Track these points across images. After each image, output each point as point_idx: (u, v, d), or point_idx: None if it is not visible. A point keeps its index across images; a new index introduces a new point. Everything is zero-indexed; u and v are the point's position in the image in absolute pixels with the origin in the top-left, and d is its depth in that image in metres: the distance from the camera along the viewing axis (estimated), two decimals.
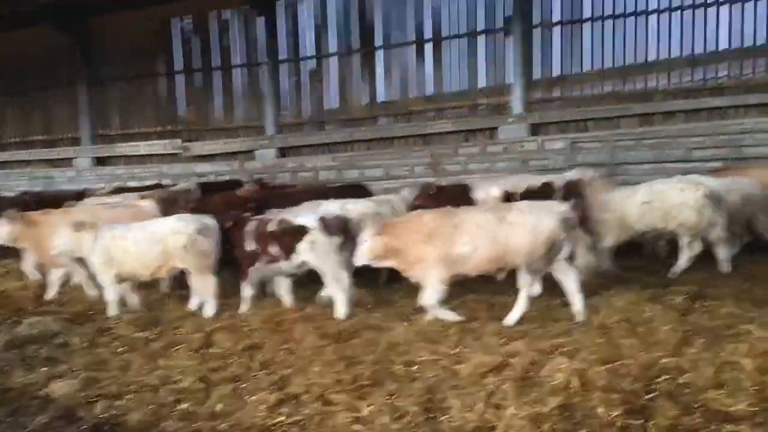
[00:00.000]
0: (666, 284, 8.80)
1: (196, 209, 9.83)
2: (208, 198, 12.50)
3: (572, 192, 9.66)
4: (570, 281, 7.44)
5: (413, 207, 9.81)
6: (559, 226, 7.09)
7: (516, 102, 15.74)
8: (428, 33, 17.23)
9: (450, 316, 7.30)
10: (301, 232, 7.98)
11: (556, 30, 15.76)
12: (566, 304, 7.79)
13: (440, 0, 16.90)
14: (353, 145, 17.91)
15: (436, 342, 6.61)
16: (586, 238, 9.28)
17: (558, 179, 10.37)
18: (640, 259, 10.49)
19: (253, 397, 5.34)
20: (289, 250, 8.04)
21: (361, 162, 17.13)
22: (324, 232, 7.92)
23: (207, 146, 19.86)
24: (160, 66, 20.89)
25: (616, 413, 4.87)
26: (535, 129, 15.56)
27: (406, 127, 17.25)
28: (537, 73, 15.98)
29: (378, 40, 17.84)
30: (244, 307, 8.21)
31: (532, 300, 7.55)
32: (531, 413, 4.90)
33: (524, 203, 7.79)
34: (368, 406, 5.15)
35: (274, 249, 8.07)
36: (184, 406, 5.27)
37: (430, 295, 7.19)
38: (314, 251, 7.95)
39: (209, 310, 8.12)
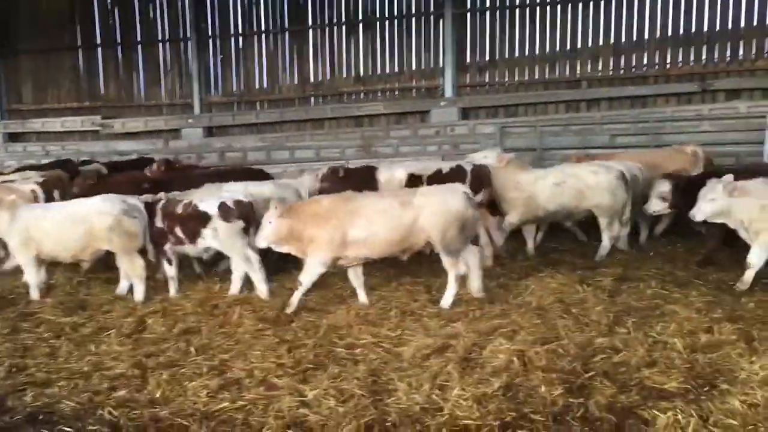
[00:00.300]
0: (594, 266, 9.06)
1: (93, 189, 9.48)
2: (109, 178, 12.02)
3: (478, 177, 9.85)
4: (471, 259, 7.55)
5: (319, 190, 9.84)
6: (465, 204, 7.19)
7: (448, 86, 15.88)
8: (361, 13, 17.07)
9: (296, 301, 7.22)
10: (204, 218, 7.84)
11: (488, 15, 15.92)
12: (502, 286, 7.93)
13: None
14: (283, 125, 17.65)
15: (376, 325, 6.59)
16: (493, 221, 9.86)
17: (466, 163, 10.52)
18: (570, 242, 10.78)
19: (193, 383, 5.17)
20: (193, 235, 7.92)
21: (291, 143, 16.89)
22: (224, 218, 7.82)
23: (129, 124, 19.13)
24: (79, 39, 19.90)
25: (557, 392, 4.98)
26: (466, 113, 15.75)
27: (337, 109, 17.12)
28: (468, 58, 16.12)
29: (309, 19, 17.53)
30: (172, 289, 7.97)
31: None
32: (476, 394, 4.95)
33: (427, 187, 7.85)
34: (313, 389, 5.08)
35: (179, 232, 7.92)
36: (121, 393, 5.05)
37: (308, 275, 7.13)
38: (217, 238, 7.85)
39: (138, 294, 7.83)
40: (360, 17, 17.10)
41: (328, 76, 17.58)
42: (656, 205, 9.18)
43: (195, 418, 4.69)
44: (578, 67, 15.39)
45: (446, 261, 7.28)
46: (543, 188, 9.66)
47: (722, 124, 13.44)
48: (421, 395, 4.98)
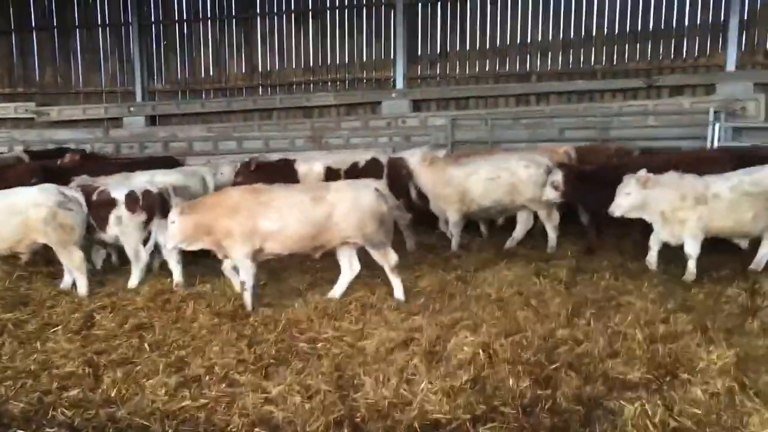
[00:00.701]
0: (547, 258, 9.12)
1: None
2: (19, 167, 11.54)
3: (394, 170, 9.86)
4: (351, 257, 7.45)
5: (233, 184, 9.69)
6: (378, 200, 7.12)
7: (399, 77, 15.81)
8: (311, 3, 16.82)
9: (250, 301, 7.06)
10: (111, 204, 7.69)
11: (439, 6, 15.91)
12: (460, 278, 7.88)
13: None
14: (230, 115, 17.26)
15: (337, 318, 6.44)
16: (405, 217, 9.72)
17: (383, 156, 10.49)
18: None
19: (150, 381, 4.91)
20: (103, 222, 7.74)
21: (239, 133, 16.52)
22: (129, 208, 7.65)
23: (66, 111, 18.36)
24: (12, 22, 18.95)
25: (525, 384, 4.94)
26: (417, 105, 15.71)
27: (286, 99, 16.83)
28: (419, 50, 16.08)
29: (258, 7, 17.17)
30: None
31: (434, 274, 7.61)
32: (444, 387, 4.86)
33: (340, 182, 7.74)
34: (277, 385, 4.90)
35: (92, 219, 7.70)
36: (73, 392, 4.75)
37: (243, 272, 6.96)
38: (119, 225, 7.70)
39: (81, 289, 7.47)
40: (309, 6, 16.82)
41: (277, 66, 17.27)
42: (550, 193, 9.18)
43: (155, 418, 4.45)
44: (528, 61, 15.52)
45: (375, 255, 7.19)
46: (476, 183, 9.62)
47: (667, 120, 13.78)
48: (388, 389, 4.86)
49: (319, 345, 5.81)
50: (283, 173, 9.82)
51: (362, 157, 10.50)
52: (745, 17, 14.08)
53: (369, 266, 8.39)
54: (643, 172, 7.88)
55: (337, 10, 16.65)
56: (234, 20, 17.45)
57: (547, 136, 14.27)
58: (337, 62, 16.78)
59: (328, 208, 6.88)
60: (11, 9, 18.82)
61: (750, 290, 7.29)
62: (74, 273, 7.56)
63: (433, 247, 9.92)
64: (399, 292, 7.19)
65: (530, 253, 9.57)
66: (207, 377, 5.10)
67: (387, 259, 7.16)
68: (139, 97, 17.82)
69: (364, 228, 6.95)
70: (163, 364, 5.30)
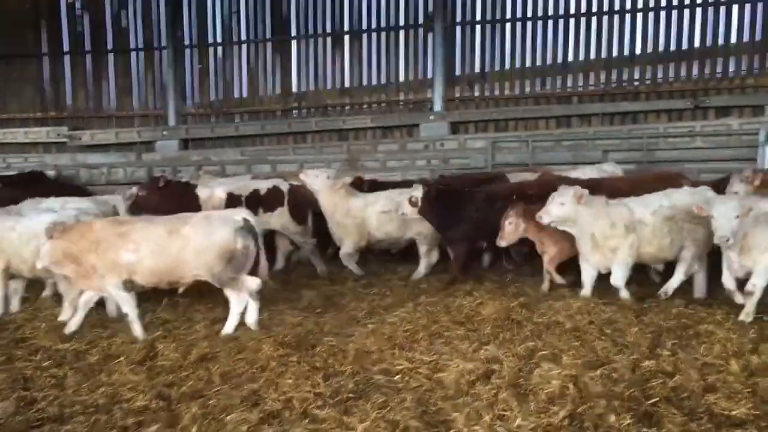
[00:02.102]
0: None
1: None
2: None
3: (294, 198, 9.93)
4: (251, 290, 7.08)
5: (136, 201, 9.77)
6: (236, 235, 6.81)
7: (437, 99, 15.62)
8: (347, 25, 16.73)
9: (139, 331, 6.76)
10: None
11: (477, 28, 15.76)
12: (523, 305, 7.55)
13: None
14: (264, 138, 17.11)
15: (408, 349, 6.15)
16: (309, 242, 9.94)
17: (284, 185, 10.34)
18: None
19: (230, 416, 4.63)
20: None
21: (273, 156, 16.32)
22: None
23: (98, 135, 18.28)
24: (45, 45, 19.00)
25: (627, 421, 4.62)
26: (455, 127, 15.49)
27: (321, 121, 16.67)
28: (457, 71, 15.91)
29: (293, 30, 17.10)
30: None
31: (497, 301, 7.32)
32: (541, 424, 4.56)
33: (201, 214, 7.40)
34: (361, 422, 4.61)
35: None
36: (152, 429, 4.47)
37: (123, 305, 6.71)
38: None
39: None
40: (346, 28, 16.72)
41: (312, 88, 17.13)
42: (405, 208, 8.91)
43: None
44: (569, 82, 15.29)
45: (226, 291, 6.89)
46: (371, 215, 9.59)
47: (715, 141, 13.41)
48: (482, 427, 4.56)
49: (396, 377, 5.51)
50: (185, 198, 9.73)
51: (263, 185, 10.40)
52: None
53: (426, 292, 8.16)
54: (578, 188, 7.66)
55: (373, 32, 16.52)
56: (268, 43, 17.37)
57: (590, 158, 13.90)
58: (374, 84, 16.62)
59: (181, 242, 6.60)
60: (43, 33, 18.86)
61: None
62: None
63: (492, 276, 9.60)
64: (229, 328, 6.79)
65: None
66: (286, 413, 4.81)
67: (238, 296, 6.83)
68: (172, 121, 17.72)
69: (212, 266, 6.66)
70: (238, 397, 5.02)
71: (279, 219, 10.01)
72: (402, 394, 5.17)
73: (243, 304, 6.87)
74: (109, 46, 18.57)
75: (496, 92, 15.72)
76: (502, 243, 8.19)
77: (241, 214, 7.13)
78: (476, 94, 15.85)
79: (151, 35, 18.14)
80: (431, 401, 5.08)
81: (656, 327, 6.89)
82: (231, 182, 11.04)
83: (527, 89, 15.58)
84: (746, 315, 6.99)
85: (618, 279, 7.73)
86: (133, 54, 18.46)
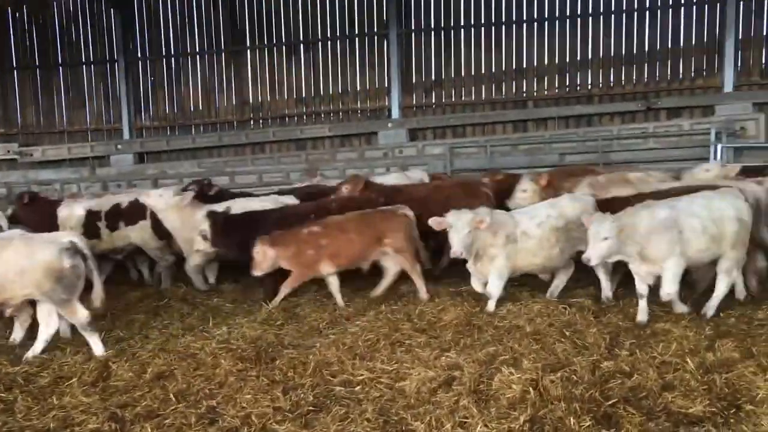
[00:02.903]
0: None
1: None
2: None
3: (133, 213, 9.60)
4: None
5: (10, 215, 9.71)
6: (62, 255, 6.76)
7: (394, 107, 15.64)
8: (302, 35, 16.68)
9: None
10: None
11: (433, 36, 15.85)
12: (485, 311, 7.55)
13: (316, 1, 16.45)
14: (221, 150, 16.93)
15: (368, 358, 6.07)
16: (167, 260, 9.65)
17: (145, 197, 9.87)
18: None
19: None
20: None
21: (231, 168, 16.15)
22: None
23: (50, 151, 17.91)
24: None
25: (586, 424, 4.61)
26: (414, 134, 15.53)
27: (279, 131, 16.56)
28: (414, 78, 15.98)
29: (248, 40, 16.98)
30: None
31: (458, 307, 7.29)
32: (501, 430, 4.52)
33: (24, 238, 6.98)
34: None
35: None
36: None
37: None
38: None
39: None
40: (302, 38, 16.66)
41: (269, 99, 17.01)
42: (200, 244, 8.41)
43: None
44: (525, 87, 15.46)
45: (61, 312, 6.64)
46: None
47: (667, 142, 13.70)
48: None
49: (357, 388, 5.43)
50: (45, 215, 9.49)
51: (125, 199, 10.09)
52: (740, 37, 14.13)
53: (389, 300, 8.09)
54: (483, 211, 7.26)
55: (329, 42, 16.50)
56: (223, 54, 17.21)
57: (547, 161, 14.11)
58: (331, 93, 16.58)
59: (4, 266, 6.37)
60: None
61: None
62: None
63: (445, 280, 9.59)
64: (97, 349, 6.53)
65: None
66: (245, 429, 4.70)
67: (74, 316, 6.56)
68: (126, 135, 17.46)
69: (40, 286, 6.55)
70: (194, 416, 4.89)
71: (140, 233, 9.66)
72: (363, 405, 5.08)
73: (54, 328, 6.69)
74: (59, 60, 18.18)
75: (453, 98, 15.80)
76: (256, 272, 7.66)
77: (67, 236, 6.86)
78: (433, 100, 15.89)
79: (103, 48, 17.81)
80: (392, 411, 5.00)
81: (614, 327, 6.93)
82: (92, 200, 10.47)
83: (483, 95, 15.69)
84: (710, 309, 7.08)
85: (493, 288, 7.39)
86: (84, 68, 18.13)
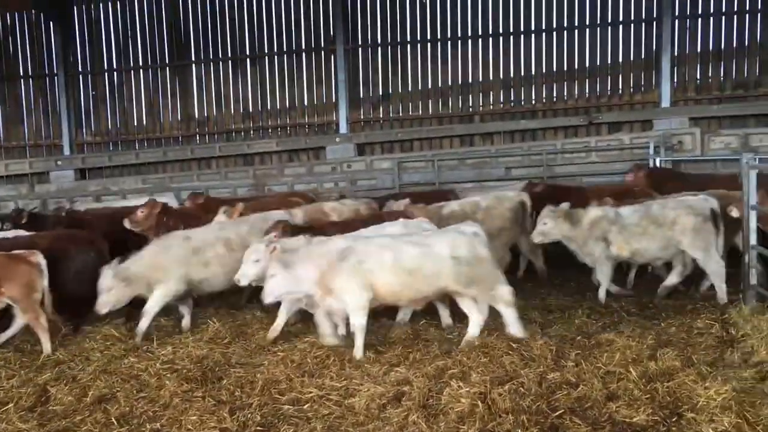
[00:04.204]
0: None
1: None
2: None
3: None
4: None
5: None
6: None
7: (342, 121, 15.68)
8: (248, 49, 16.57)
9: None
10: None
11: (379, 51, 15.96)
12: (432, 324, 7.58)
13: (262, 15, 16.36)
14: (166, 165, 16.63)
15: (317, 375, 6.02)
16: None
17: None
18: None
19: None
20: None
21: (177, 184, 15.89)
22: None
23: None
24: None
25: None
26: (362, 149, 15.57)
27: (225, 146, 16.38)
28: (361, 93, 16.04)
29: (193, 54, 16.77)
30: None
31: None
32: None
33: None
34: None
35: None
36: None
37: None
38: None
39: None
40: (247, 52, 16.55)
41: (215, 113, 16.81)
42: None
43: None
44: (471, 102, 15.68)
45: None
46: None
47: (608, 155, 14.08)
48: None
49: (306, 406, 5.37)
50: None
51: None
52: (676, 54, 14.64)
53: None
54: (270, 237, 7.21)
55: (276, 56, 16.43)
56: (167, 68, 16.95)
57: (494, 175, 14.35)
58: (278, 108, 16.50)
59: None
60: None
61: (720, 321, 7.31)
62: None
63: None
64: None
65: None
66: None
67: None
68: (67, 150, 16.98)
69: None
70: None
71: None
72: (312, 423, 5.04)
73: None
74: None
75: (401, 113, 15.91)
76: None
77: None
78: (381, 115, 15.98)
79: (42, 61, 17.34)
80: (342, 428, 4.98)
81: (560, 338, 7.05)
82: None
83: (430, 110, 15.86)
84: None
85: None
86: (23, 81, 17.60)
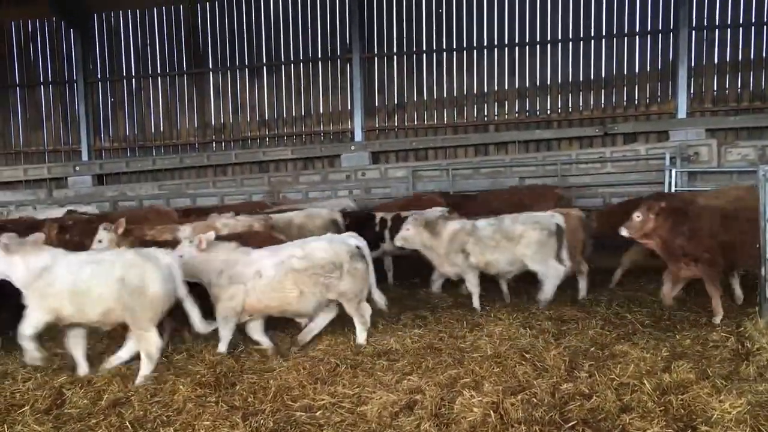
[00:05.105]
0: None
1: None
2: None
3: None
4: None
5: None
6: None
7: (357, 130, 15.74)
8: (264, 57, 16.70)
9: None
10: None
11: (395, 60, 16.03)
12: (447, 333, 7.58)
13: (279, 24, 16.49)
14: (182, 172, 16.78)
15: (330, 383, 6.04)
16: None
17: None
18: None
19: None
20: None
21: (193, 190, 16.02)
22: None
23: (5, 173, 17.54)
24: None
25: None
26: (376, 157, 15.62)
27: (241, 154, 16.49)
28: (377, 102, 16.11)
29: (210, 62, 16.92)
30: None
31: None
32: None
33: None
34: None
35: None
36: None
37: None
38: None
39: None
40: (264, 60, 16.68)
41: (231, 121, 16.94)
42: None
43: None
44: (486, 111, 15.69)
45: None
46: None
47: (624, 166, 14.01)
48: None
49: (318, 413, 5.39)
50: None
51: None
52: (692, 65, 14.58)
53: (338, 323, 8.04)
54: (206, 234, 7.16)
55: (292, 64, 16.55)
56: (185, 75, 17.12)
57: (508, 184, 14.30)
58: (294, 115, 16.60)
59: None
60: None
61: (735, 334, 7.26)
62: None
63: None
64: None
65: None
66: None
67: None
68: (85, 156, 17.18)
69: None
70: None
71: None
72: (324, 431, 5.06)
73: None
74: (16, 80, 17.86)
75: (416, 122, 15.95)
76: None
77: None
78: (396, 124, 16.03)
79: (62, 68, 17.57)
80: None
81: (574, 349, 7.03)
82: None
83: (445, 119, 15.89)
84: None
85: (220, 330, 6.95)
86: (42, 88, 17.84)
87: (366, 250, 7.46)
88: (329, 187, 15.30)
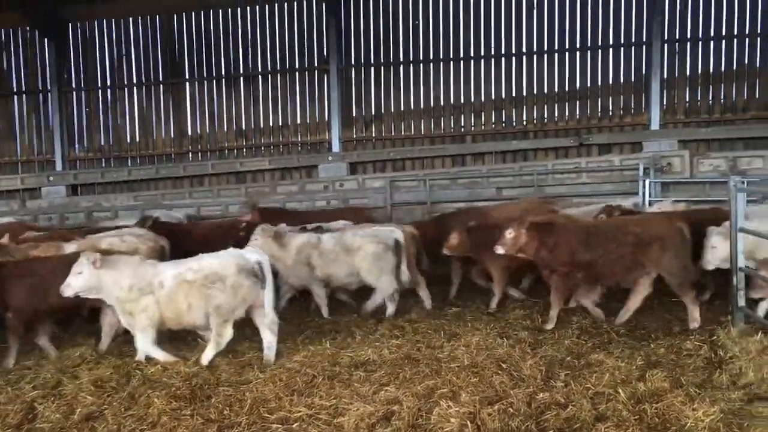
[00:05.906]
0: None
1: None
2: None
3: None
4: None
5: None
6: None
7: (335, 140, 15.77)
8: (241, 68, 16.68)
9: None
10: None
11: (372, 70, 16.10)
12: (423, 343, 7.58)
13: (256, 35, 16.49)
14: (158, 182, 16.64)
15: (306, 394, 6.00)
16: None
17: None
18: None
19: None
20: None
21: (169, 201, 15.88)
22: None
23: None
24: None
25: None
26: (354, 167, 15.64)
27: (218, 164, 16.41)
28: (354, 112, 16.16)
29: (186, 72, 16.85)
30: None
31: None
32: None
33: None
34: None
35: None
36: None
37: None
38: None
39: None
40: (241, 71, 16.65)
41: (208, 131, 16.86)
42: None
43: None
44: (463, 122, 15.81)
45: None
46: None
47: (599, 176, 14.18)
48: None
49: (294, 425, 5.35)
50: None
51: None
52: (665, 77, 14.83)
53: (323, 334, 8.04)
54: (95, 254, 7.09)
55: (269, 75, 16.54)
56: (161, 85, 17.02)
57: (485, 195, 14.40)
58: (271, 126, 16.58)
59: None
60: None
61: (709, 343, 7.34)
62: None
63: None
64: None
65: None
66: None
67: None
68: (59, 166, 16.97)
69: None
70: None
71: None
72: None
73: None
74: None
75: (393, 132, 16.02)
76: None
77: None
78: (373, 134, 16.08)
79: (35, 78, 17.38)
80: None
81: (550, 359, 7.06)
82: None
83: (423, 129, 15.97)
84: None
85: (140, 344, 7.10)
86: (16, 97, 17.63)
87: (267, 268, 7.25)
88: (307, 198, 15.27)
